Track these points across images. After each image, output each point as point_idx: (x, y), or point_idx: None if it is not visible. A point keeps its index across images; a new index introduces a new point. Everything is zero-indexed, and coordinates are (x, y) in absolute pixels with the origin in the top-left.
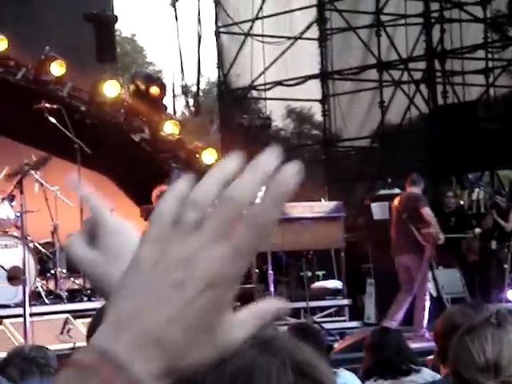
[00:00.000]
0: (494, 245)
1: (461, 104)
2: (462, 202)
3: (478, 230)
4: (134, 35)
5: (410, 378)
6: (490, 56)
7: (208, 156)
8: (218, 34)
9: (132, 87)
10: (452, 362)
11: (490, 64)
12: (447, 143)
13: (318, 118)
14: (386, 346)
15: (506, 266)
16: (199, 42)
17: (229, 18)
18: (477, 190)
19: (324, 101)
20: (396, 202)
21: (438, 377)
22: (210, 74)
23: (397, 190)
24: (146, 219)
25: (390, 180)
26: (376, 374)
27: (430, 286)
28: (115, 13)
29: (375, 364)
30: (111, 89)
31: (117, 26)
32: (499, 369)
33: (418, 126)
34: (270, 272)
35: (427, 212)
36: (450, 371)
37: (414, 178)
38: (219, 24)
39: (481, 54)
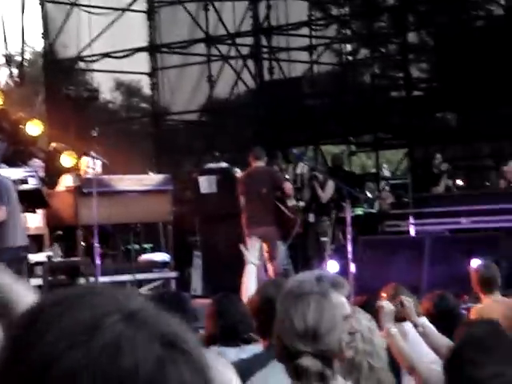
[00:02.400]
0: (311, 217)
1: (286, 80)
2: (286, 176)
3: (301, 203)
4: None
5: (251, 347)
6: (313, 33)
7: (33, 127)
8: (43, 2)
9: None
10: (275, 329)
11: (314, 41)
12: (273, 118)
13: (147, 91)
14: (231, 313)
15: (324, 238)
16: (23, 10)
17: None
18: (301, 164)
19: (152, 74)
20: (249, 174)
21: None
22: (36, 43)
23: (224, 164)
24: None
25: (217, 154)
26: (220, 341)
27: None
28: None
29: (220, 331)
30: None
31: None
32: (318, 336)
33: (246, 101)
34: (96, 245)
35: (290, 186)
36: (274, 339)
37: (258, 152)
38: None
39: (305, 31)
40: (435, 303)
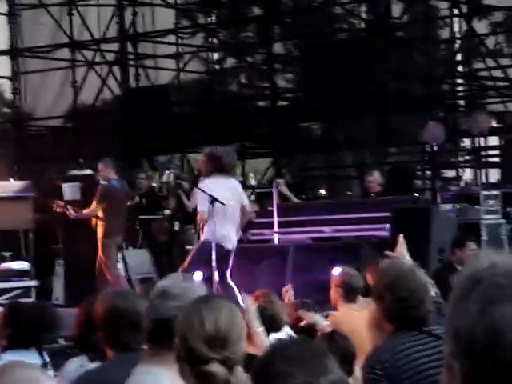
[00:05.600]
0: (177, 226)
1: (153, 87)
2: (153, 184)
3: (167, 212)
4: None
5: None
6: (180, 41)
7: None
8: None
9: None
10: (180, 330)
11: (181, 49)
12: (139, 125)
13: (9, 95)
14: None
15: (189, 246)
16: None
17: None
18: (167, 172)
19: (14, 78)
20: (114, 185)
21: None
22: None
23: (88, 171)
24: None
25: (82, 161)
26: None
27: (120, 266)
28: None
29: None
30: None
31: None
32: (228, 343)
33: (111, 108)
34: None
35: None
36: (177, 340)
37: (114, 164)
38: None
39: (171, 38)
40: (297, 311)
